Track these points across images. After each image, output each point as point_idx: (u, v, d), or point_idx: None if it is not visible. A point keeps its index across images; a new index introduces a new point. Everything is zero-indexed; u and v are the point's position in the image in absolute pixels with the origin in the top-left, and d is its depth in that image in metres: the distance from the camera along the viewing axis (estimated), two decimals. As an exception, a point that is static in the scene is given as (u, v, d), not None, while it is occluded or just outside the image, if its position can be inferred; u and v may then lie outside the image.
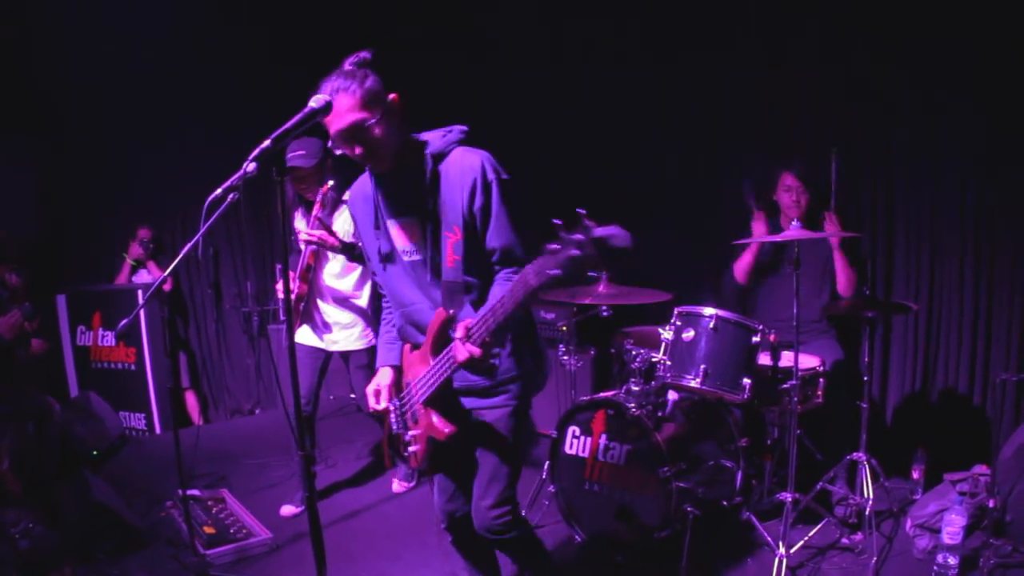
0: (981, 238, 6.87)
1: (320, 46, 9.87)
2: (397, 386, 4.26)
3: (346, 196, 6.46)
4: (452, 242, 3.81)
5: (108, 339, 10.15)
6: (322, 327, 6.95)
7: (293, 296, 6.69)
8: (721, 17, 8.13)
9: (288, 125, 3.28)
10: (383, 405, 4.22)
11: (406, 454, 4.25)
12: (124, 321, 5.14)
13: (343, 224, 6.60)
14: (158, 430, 10.03)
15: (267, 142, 3.25)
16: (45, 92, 9.95)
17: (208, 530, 6.50)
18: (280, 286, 6.63)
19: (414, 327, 4.19)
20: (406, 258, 4.10)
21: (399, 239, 4.09)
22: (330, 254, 6.68)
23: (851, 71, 7.34)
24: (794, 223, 5.70)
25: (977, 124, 6.73)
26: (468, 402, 4.13)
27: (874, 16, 7.07)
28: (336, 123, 3.70)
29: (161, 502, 7.19)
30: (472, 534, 4.35)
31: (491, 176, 3.80)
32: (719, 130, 8.37)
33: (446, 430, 3.90)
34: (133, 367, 10.03)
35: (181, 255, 4.59)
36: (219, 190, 3.57)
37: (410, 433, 4.16)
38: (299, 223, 6.83)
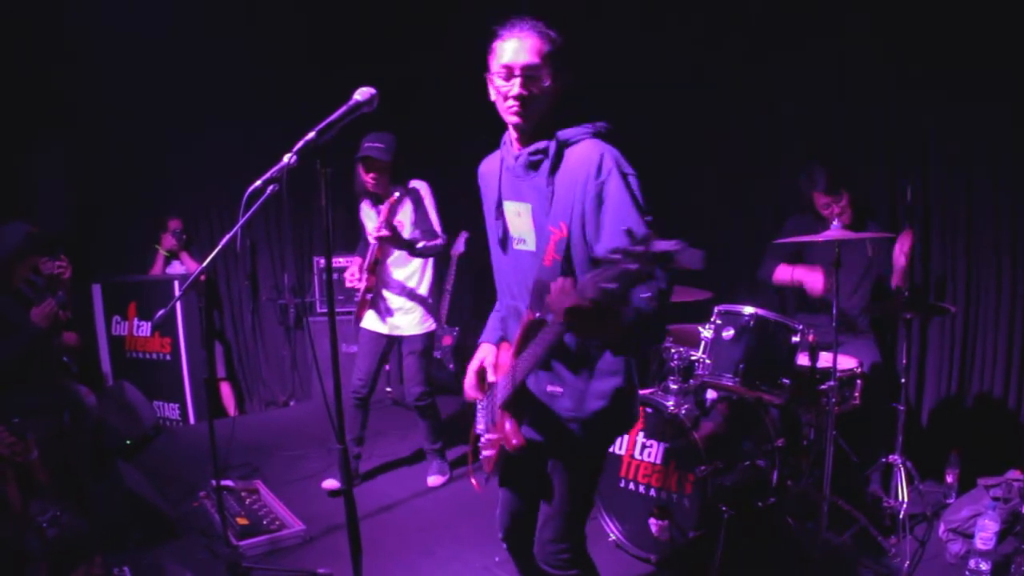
0: (1018, 240, 6.83)
1: (340, 45, 10.01)
2: (482, 382, 4.04)
3: (411, 185, 6.98)
4: (556, 239, 3.54)
5: (144, 329, 10.18)
6: (385, 312, 7.23)
7: (362, 286, 7.06)
8: (751, 16, 8.12)
9: (332, 117, 3.29)
10: (475, 384, 4.03)
11: (483, 456, 4.06)
12: (160, 312, 5.14)
13: (404, 215, 6.97)
14: (192, 420, 10.06)
15: (311, 134, 3.26)
16: (74, 88, 9.99)
17: (241, 521, 6.54)
18: (348, 274, 6.83)
19: (516, 322, 3.86)
20: (517, 247, 3.85)
21: (514, 224, 3.84)
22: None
23: (884, 69, 7.32)
24: (834, 223, 5.68)
25: (1008, 123, 6.72)
26: (546, 424, 3.80)
27: (901, 19, 7.07)
28: (513, 55, 3.52)
29: (194, 492, 7.23)
30: (527, 547, 4.12)
31: (609, 165, 3.46)
32: (754, 129, 8.35)
33: (515, 441, 3.62)
34: (168, 357, 10.07)
35: (219, 247, 4.58)
36: (259, 182, 3.55)
37: (488, 436, 3.98)
38: (365, 214, 7.17)
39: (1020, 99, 6.58)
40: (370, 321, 7.30)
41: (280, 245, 11.47)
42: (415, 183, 7.05)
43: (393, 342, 7.40)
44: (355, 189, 7.14)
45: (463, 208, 4.41)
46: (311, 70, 10.41)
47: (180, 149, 10.57)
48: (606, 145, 3.55)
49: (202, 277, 5.02)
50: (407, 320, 7.23)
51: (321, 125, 3.26)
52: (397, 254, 7.09)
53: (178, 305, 9.39)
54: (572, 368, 3.69)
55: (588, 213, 3.48)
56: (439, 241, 6.90)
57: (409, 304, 7.21)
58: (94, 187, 10.50)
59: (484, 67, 3.66)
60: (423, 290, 7.25)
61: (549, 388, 3.73)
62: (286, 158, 3.33)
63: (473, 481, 7.33)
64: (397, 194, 6.70)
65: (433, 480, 7.61)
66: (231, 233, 4.24)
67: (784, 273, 6.88)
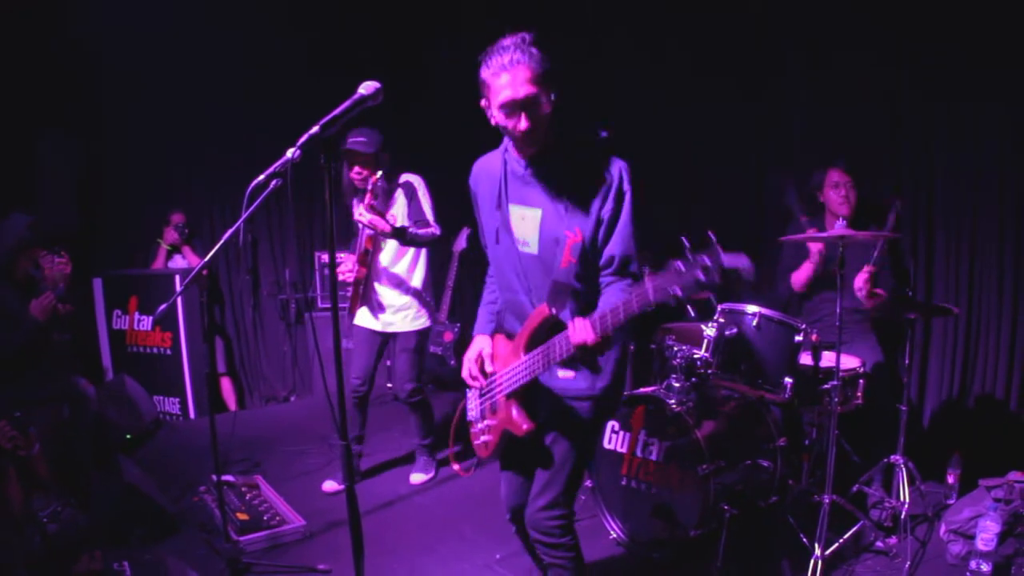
0: (1022, 241, 6.82)
1: (349, 49, 10.03)
2: (483, 372, 4.20)
3: (403, 180, 6.90)
4: (571, 243, 3.78)
5: (144, 323, 10.17)
6: (378, 308, 7.14)
7: (352, 278, 6.95)
8: (763, 18, 8.12)
9: (337, 111, 3.28)
10: (478, 374, 4.19)
11: (476, 443, 4.27)
12: (163, 306, 5.14)
13: (398, 209, 6.87)
14: (192, 415, 10.07)
15: (315, 128, 3.25)
16: (81, 81, 10.05)
17: (241, 516, 6.52)
18: (343, 268, 6.74)
19: (515, 316, 4.18)
20: (520, 248, 4.04)
21: (519, 227, 4.04)
22: (387, 239, 6.86)
23: (890, 74, 7.34)
24: (839, 222, 5.65)
25: (1016, 125, 6.72)
26: (552, 405, 4.08)
27: (911, 18, 7.07)
28: (512, 92, 3.66)
29: (194, 487, 7.23)
30: None
31: (627, 187, 3.79)
32: (760, 129, 8.34)
33: (524, 426, 3.87)
34: (169, 352, 10.07)
35: (221, 241, 4.58)
36: (262, 176, 3.55)
37: (485, 423, 4.16)
38: (357, 208, 6.93)
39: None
40: (364, 318, 7.23)
41: (282, 240, 11.50)
42: (408, 176, 6.98)
43: (388, 339, 7.30)
44: (343, 189, 7.01)
45: (465, 204, 4.42)
46: (318, 64, 10.45)
47: (183, 143, 10.66)
48: (619, 160, 3.83)
49: (204, 272, 5.02)
50: (400, 317, 7.15)
51: (325, 119, 3.25)
52: (389, 248, 7.02)
53: (179, 300, 9.39)
54: None
55: (604, 223, 3.75)
56: (431, 230, 6.78)
57: (402, 300, 7.13)
58: (97, 180, 10.51)
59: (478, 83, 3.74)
60: (416, 284, 7.17)
61: (561, 374, 3.96)
62: (290, 152, 3.32)
63: (456, 467, 7.38)
64: (379, 172, 6.55)
65: (416, 478, 7.60)
66: (234, 228, 4.24)
67: (802, 272, 6.87)
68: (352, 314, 7.22)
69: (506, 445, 4.13)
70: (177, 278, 9.92)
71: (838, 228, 5.61)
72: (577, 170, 3.83)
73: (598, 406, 4.06)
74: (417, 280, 7.16)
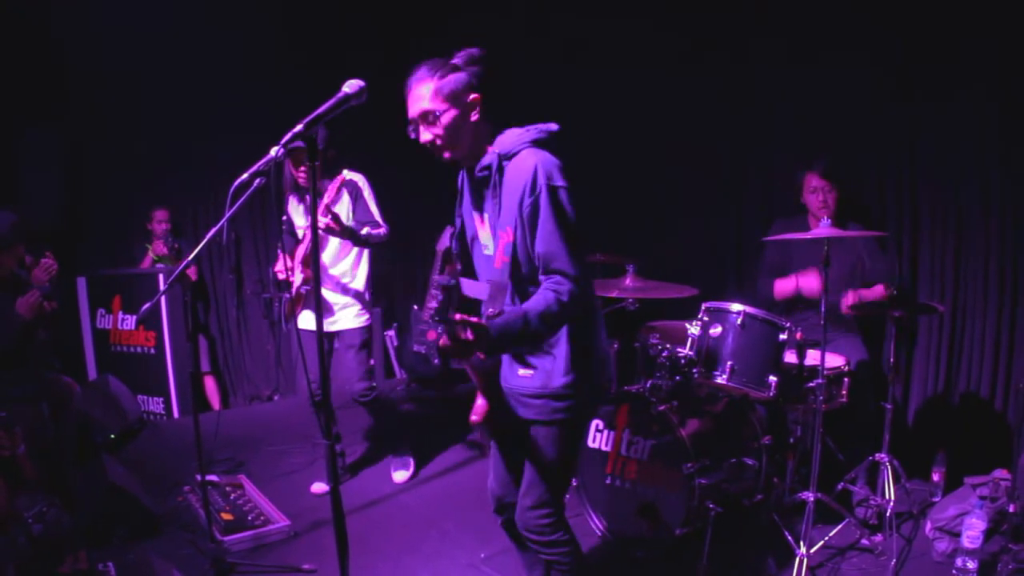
0: (1006, 240, 6.82)
1: (334, 48, 10.02)
2: None
3: (347, 178, 6.83)
4: (503, 243, 3.84)
5: (128, 323, 10.13)
6: (323, 310, 6.96)
7: (298, 280, 6.91)
8: (744, 16, 8.13)
9: (321, 110, 3.26)
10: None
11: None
12: (146, 305, 5.10)
13: (342, 208, 6.86)
14: (176, 414, 10.02)
15: (299, 127, 3.23)
16: (67, 79, 10.03)
17: (226, 516, 6.50)
18: (277, 269, 6.73)
19: None
20: (485, 252, 4.20)
21: (481, 233, 4.20)
22: (330, 238, 6.85)
23: (874, 71, 7.33)
24: (824, 221, 5.65)
25: (999, 124, 6.72)
26: (518, 406, 4.15)
27: (895, 15, 7.08)
28: (410, 108, 3.83)
29: (179, 487, 7.20)
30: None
31: (541, 182, 3.73)
32: (744, 129, 8.34)
33: (473, 417, 4.07)
34: (153, 351, 10.03)
35: (204, 241, 4.56)
36: (245, 175, 3.53)
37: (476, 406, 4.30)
38: (293, 209, 7.04)
39: (1007, 98, 6.58)
40: (307, 321, 7.13)
41: (265, 238, 11.48)
42: (352, 175, 6.94)
43: (332, 338, 7.25)
44: (283, 185, 7.01)
45: (448, 203, 4.43)
46: (317, 64, 10.42)
47: (168, 141, 10.59)
48: (540, 155, 3.82)
49: (190, 272, 5.00)
50: (344, 315, 7.12)
51: (309, 118, 3.23)
52: (331, 248, 7.00)
53: (163, 299, 9.36)
54: (537, 354, 4.01)
55: (527, 223, 3.79)
56: (382, 230, 6.81)
57: (344, 299, 7.09)
58: (81, 178, 10.47)
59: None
60: (359, 284, 7.14)
61: (521, 372, 4.07)
62: (273, 151, 3.31)
63: (394, 474, 7.41)
64: (346, 173, 6.66)
65: (399, 476, 7.60)
66: (217, 226, 4.21)
67: (785, 285, 6.88)
68: (293, 318, 7.17)
69: (493, 430, 4.37)
70: (161, 277, 9.84)
71: (823, 227, 5.61)
72: (506, 172, 3.89)
73: (559, 404, 4.03)
74: (360, 280, 7.15)
